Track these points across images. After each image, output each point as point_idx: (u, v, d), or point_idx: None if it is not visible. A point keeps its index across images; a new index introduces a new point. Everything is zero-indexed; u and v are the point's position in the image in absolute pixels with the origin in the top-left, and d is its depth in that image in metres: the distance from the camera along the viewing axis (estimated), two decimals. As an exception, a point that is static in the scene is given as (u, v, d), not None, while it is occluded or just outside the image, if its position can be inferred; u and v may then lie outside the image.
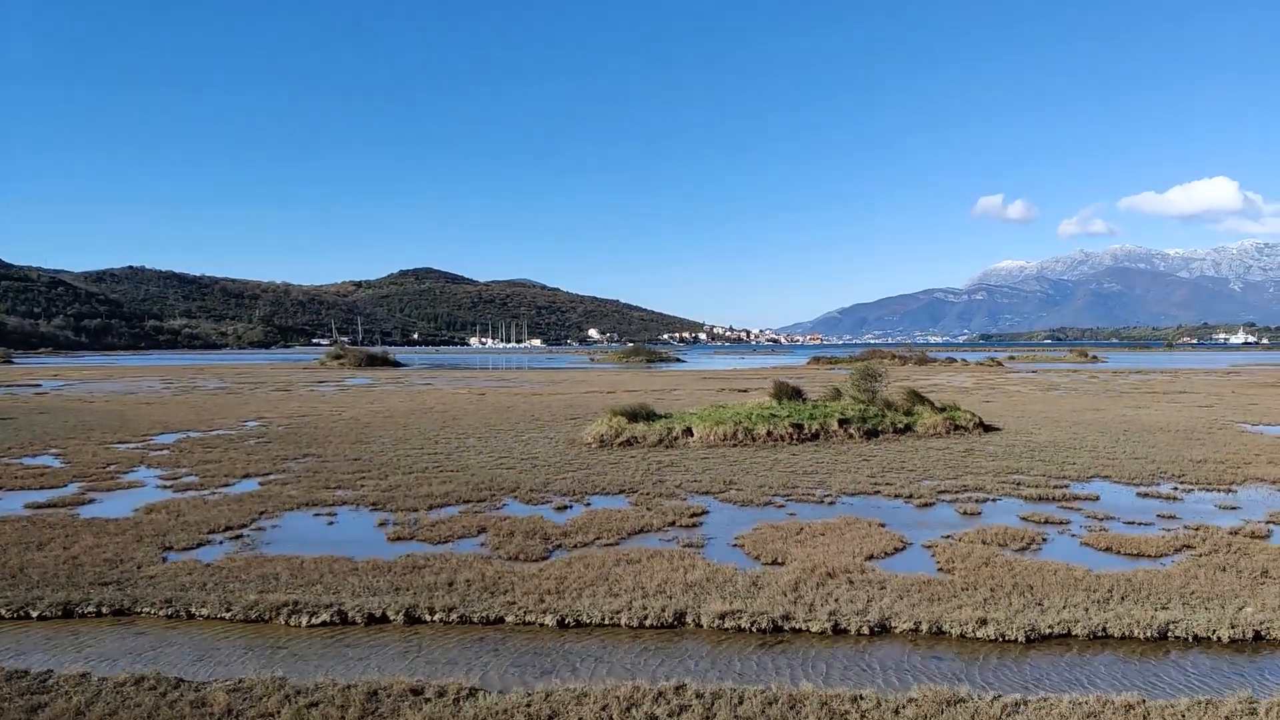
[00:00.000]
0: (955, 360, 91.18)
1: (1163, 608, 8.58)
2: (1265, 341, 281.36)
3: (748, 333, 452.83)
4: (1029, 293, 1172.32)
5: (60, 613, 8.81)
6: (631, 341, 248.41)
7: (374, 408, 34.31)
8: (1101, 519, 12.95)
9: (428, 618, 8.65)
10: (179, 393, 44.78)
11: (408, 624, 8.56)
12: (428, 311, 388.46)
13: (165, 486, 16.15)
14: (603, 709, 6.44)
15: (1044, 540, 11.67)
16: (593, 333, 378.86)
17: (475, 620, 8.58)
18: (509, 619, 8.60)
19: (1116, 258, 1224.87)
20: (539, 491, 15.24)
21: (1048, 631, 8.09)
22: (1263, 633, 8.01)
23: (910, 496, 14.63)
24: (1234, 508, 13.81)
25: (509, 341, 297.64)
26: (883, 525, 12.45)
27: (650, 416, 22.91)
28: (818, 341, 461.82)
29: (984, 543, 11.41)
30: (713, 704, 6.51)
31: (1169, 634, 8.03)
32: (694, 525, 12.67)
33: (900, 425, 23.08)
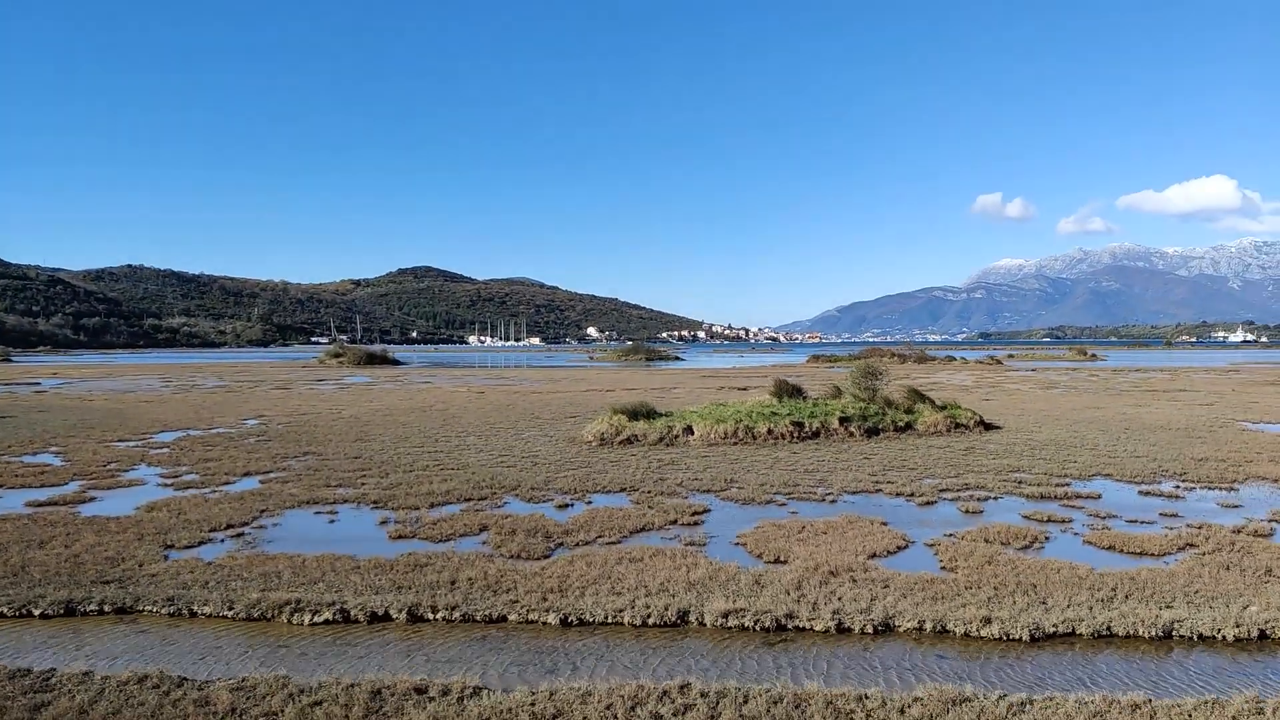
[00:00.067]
0: (955, 359, 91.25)
1: (1167, 606, 8.57)
2: (1264, 340, 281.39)
3: (746, 331, 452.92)
4: (1028, 291, 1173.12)
5: (62, 611, 8.79)
6: (630, 340, 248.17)
7: (374, 406, 34.28)
8: (1104, 517, 12.93)
9: (430, 616, 8.63)
10: (178, 391, 44.73)
11: (410, 622, 8.54)
12: (426, 310, 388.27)
13: (166, 485, 16.12)
14: (607, 708, 6.42)
15: (1047, 539, 11.66)
16: (591, 331, 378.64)
17: (478, 619, 8.56)
18: (512, 617, 8.59)
19: (1115, 256, 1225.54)
20: (540, 490, 15.22)
21: (1052, 630, 8.07)
22: (1268, 632, 7.99)
23: (912, 495, 14.61)
24: (1236, 506, 13.80)
25: (508, 340, 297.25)
26: (885, 523, 12.43)
27: (650, 415, 22.88)
28: (817, 340, 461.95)
29: (986, 541, 11.39)
30: (718, 703, 6.49)
31: (1174, 633, 8.01)
32: (696, 523, 12.65)
33: (901, 423, 23.06)
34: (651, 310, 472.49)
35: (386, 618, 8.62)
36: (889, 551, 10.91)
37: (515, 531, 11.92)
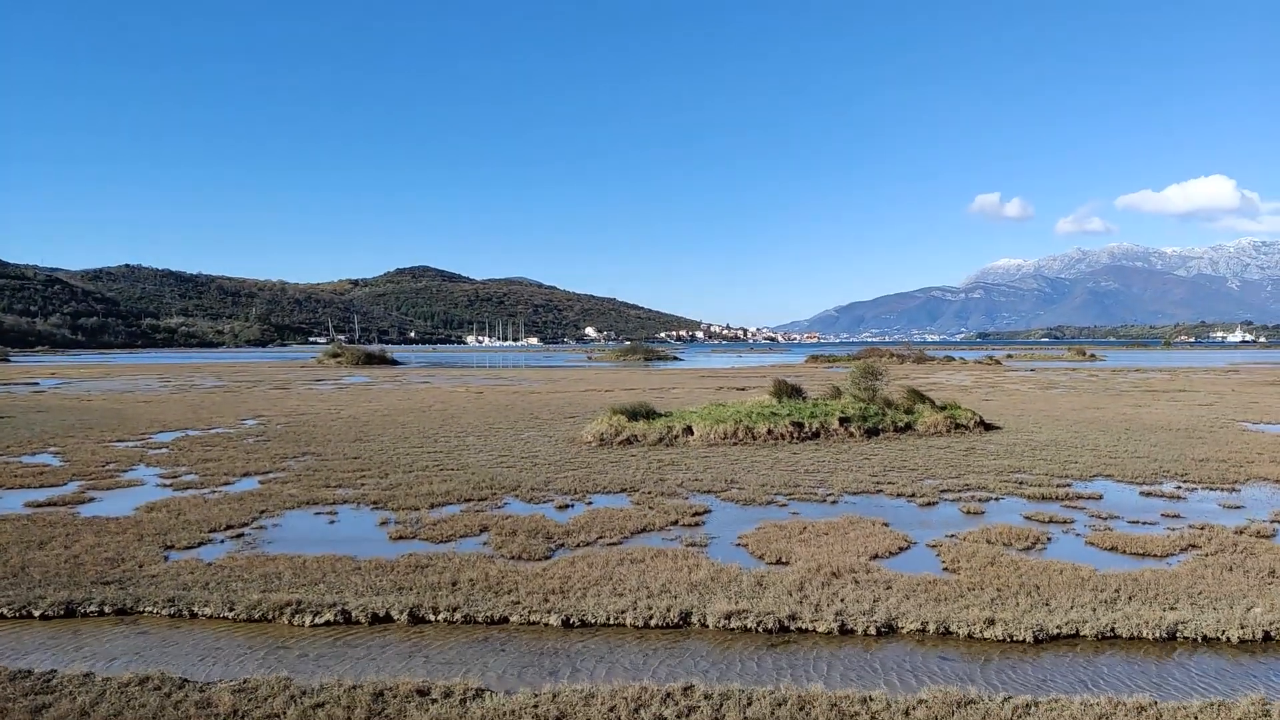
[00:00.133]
0: (954, 359, 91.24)
1: (1171, 608, 8.55)
2: (1263, 340, 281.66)
3: (745, 331, 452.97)
4: (1026, 291, 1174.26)
5: (62, 612, 8.75)
6: (629, 340, 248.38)
7: (372, 406, 34.23)
8: (1105, 518, 12.91)
9: (432, 617, 8.59)
10: (176, 391, 44.66)
11: (412, 624, 8.51)
12: (424, 310, 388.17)
13: (165, 485, 16.08)
14: (611, 710, 6.39)
15: (1048, 539, 11.64)
16: (590, 331, 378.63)
17: (480, 620, 8.53)
18: (513, 619, 8.56)
19: (1114, 256, 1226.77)
20: (540, 490, 15.19)
21: (1056, 632, 8.05)
22: (1272, 634, 7.97)
23: (913, 495, 14.59)
24: (1238, 507, 13.78)
25: (506, 340, 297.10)
26: (886, 524, 12.40)
27: (650, 415, 22.86)
28: (815, 340, 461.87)
29: (989, 542, 11.37)
30: (721, 705, 6.46)
31: (1178, 634, 7.99)
32: (696, 524, 12.62)
33: (901, 424, 23.05)
34: (650, 310, 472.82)
35: (388, 619, 8.59)
36: (891, 552, 10.89)
37: (516, 532, 11.89)
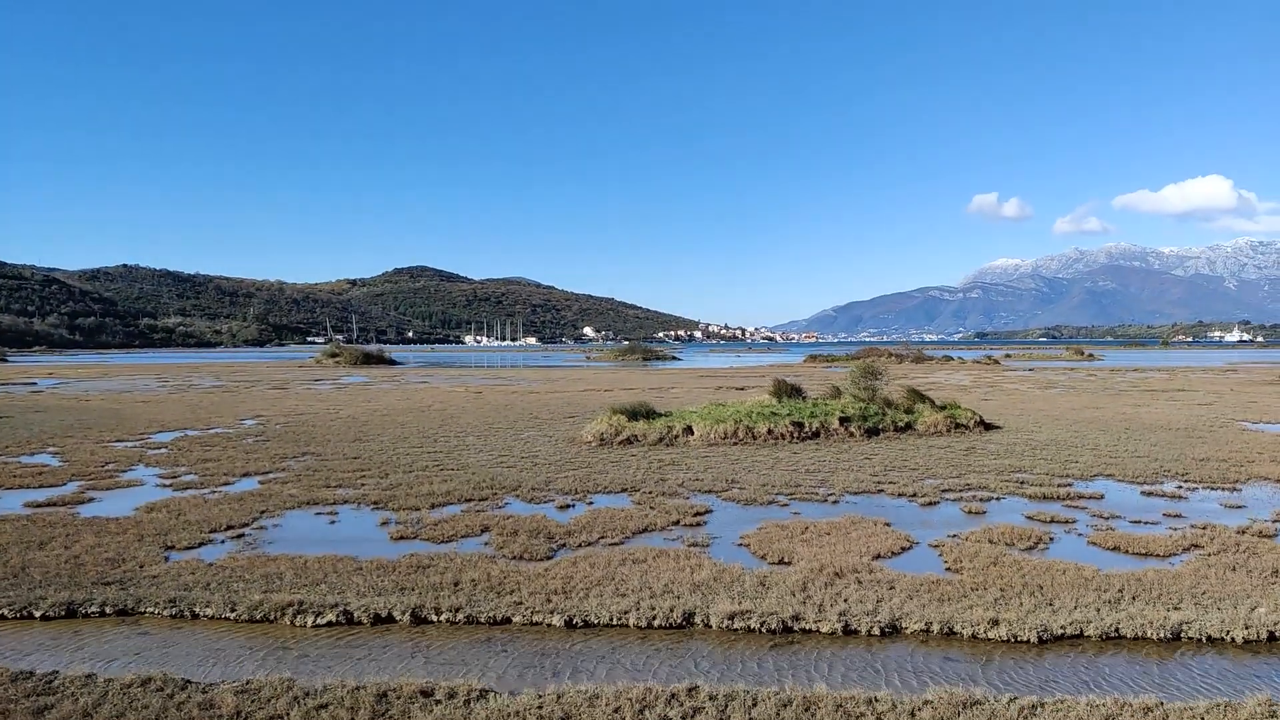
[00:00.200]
0: (952, 358, 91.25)
1: (1175, 608, 8.54)
2: (1260, 339, 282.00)
3: (743, 331, 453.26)
4: (1024, 290, 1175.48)
5: (63, 613, 8.71)
6: (627, 339, 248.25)
7: (371, 406, 34.19)
8: (1107, 518, 12.90)
9: (434, 618, 8.57)
10: (175, 391, 44.60)
11: (414, 624, 8.49)
12: (422, 309, 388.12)
13: (165, 485, 16.04)
14: (615, 711, 6.37)
15: (1051, 539, 11.62)
16: (588, 331, 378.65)
17: (482, 620, 8.51)
18: (516, 619, 8.53)
19: (1111, 256, 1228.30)
20: (541, 490, 15.16)
21: (1060, 632, 8.04)
22: (1277, 634, 7.95)
23: (914, 495, 14.58)
24: (1239, 506, 13.78)
25: (504, 339, 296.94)
26: (888, 524, 12.39)
27: (650, 415, 22.84)
28: (813, 340, 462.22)
29: (991, 542, 11.36)
30: (726, 706, 6.44)
31: (1182, 635, 7.98)
32: (698, 524, 12.60)
33: (901, 423, 23.04)
34: (648, 310, 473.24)
35: (390, 619, 8.56)
36: (893, 552, 10.87)
37: (517, 532, 11.87)
